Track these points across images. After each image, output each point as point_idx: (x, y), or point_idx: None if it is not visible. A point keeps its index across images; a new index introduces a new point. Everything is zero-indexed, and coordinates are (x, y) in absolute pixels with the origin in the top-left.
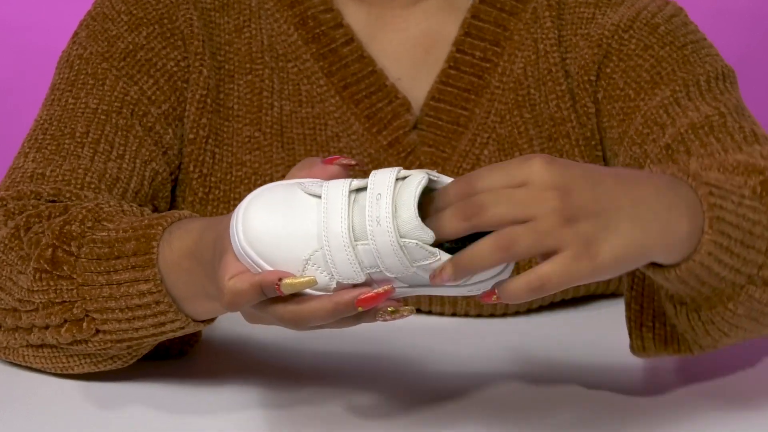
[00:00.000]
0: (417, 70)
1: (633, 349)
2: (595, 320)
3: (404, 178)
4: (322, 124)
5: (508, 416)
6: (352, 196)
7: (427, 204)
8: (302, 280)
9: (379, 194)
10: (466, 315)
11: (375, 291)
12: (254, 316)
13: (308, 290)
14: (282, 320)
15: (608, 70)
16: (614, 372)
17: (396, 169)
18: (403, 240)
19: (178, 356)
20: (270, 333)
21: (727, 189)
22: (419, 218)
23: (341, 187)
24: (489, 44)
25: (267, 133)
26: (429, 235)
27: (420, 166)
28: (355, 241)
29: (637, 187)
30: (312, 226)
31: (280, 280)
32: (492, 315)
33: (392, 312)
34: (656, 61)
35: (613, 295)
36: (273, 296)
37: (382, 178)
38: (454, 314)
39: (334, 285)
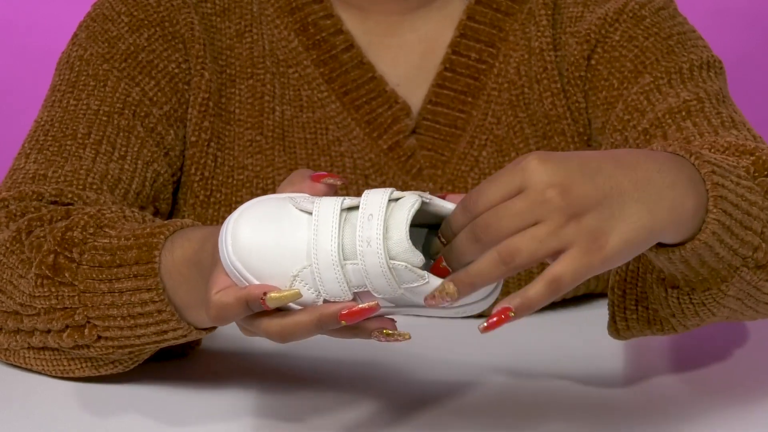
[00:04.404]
0: (415, 74)
1: (614, 331)
2: (595, 319)
3: (397, 199)
4: (323, 129)
5: (509, 417)
6: (344, 214)
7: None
8: (287, 293)
9: (371, 215)
10: (467, 316)
11: (360, 306)
12: (248, 329)
13: (294, 305)
14: (267, 334)
15: (593, 62)
16: (615, 371)
17: (389, 190)
18: (393, 262)
19: (180, 357)
20: None
21: (726, 168)
22: (410, 241)
23: (333, 204)
24: (484, 45)
25: (268, 137)
26: (419, 258)
27: (420, 170)
28: (345, 260)
29: (638, 167)
30: (302, 243)
31: (265, 294)
32: None
33: (388, 334)
34: (640, 51)
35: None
36: (259, 311)
37: (374, 199)
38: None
39: (320, 302)
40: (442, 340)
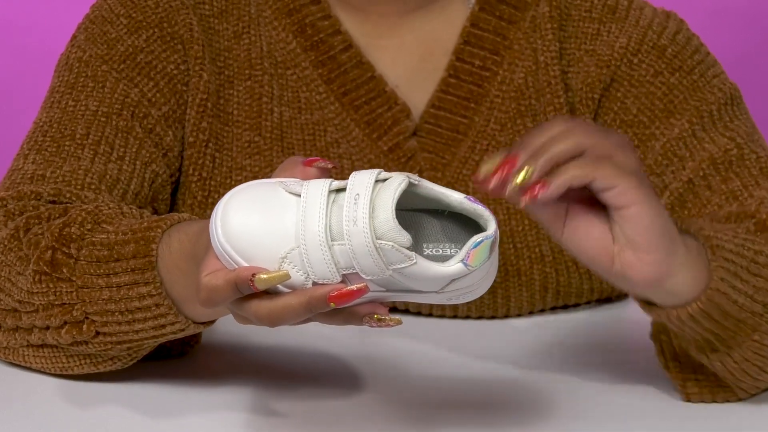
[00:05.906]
0: (414, 77)
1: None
2: (594, 322)
3: (385, 180)
4: (321, 130)
5: (508, 418)
6: (332, 196)
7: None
8: (276, 274)
9: (358, 194)
10: (467, 317)
11: (348, 288)
12: (241, 316)
13: (283, 288)
14: (257, 317)
15: (619, 95)
16: (613, 373)
17: (376, 170)
18: (379, 242)
19: (179, 356)
20: (271, 333)
21: (719, 229)
22: (396, 220)
23: (321, 186)
24: (488, 53)
25: (267, 138)
26: (406, 237)
27: (420, 172)
28: (332, 241)
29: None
30: (290, 225)
31: (254, 275)
32: (493, 317)
33: (379, 319)
34: (668, 88)
35: (608, 299)
36: (248, 293)
37: (361, 179)
38: (455, 316)
39: (309, 285)
40: (442, 338)
